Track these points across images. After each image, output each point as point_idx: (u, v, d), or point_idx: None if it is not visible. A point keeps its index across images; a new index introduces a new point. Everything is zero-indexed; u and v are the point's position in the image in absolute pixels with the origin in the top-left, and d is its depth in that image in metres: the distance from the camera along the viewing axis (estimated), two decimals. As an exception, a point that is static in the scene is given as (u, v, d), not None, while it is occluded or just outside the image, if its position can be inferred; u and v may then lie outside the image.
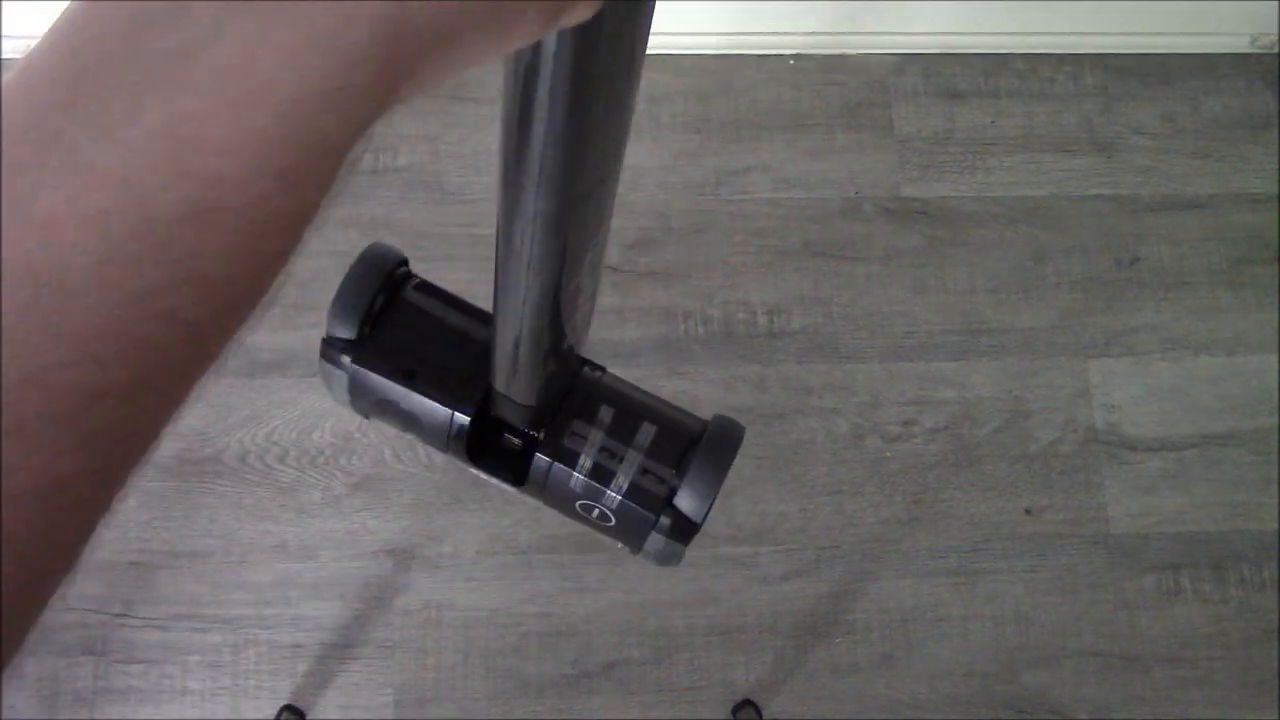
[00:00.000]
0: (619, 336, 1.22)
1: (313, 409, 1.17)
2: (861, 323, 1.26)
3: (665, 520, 0.70)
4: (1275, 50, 1.39)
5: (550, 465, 0.69)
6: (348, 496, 1.15)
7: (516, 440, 0.73)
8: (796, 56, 1.35)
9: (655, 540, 0.71)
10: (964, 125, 1.34)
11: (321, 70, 0.17)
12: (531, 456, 0.71)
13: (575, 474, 0.68)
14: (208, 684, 1.10)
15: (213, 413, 1.17)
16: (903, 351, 1.25)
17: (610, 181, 0.46)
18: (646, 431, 0.69)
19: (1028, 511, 1.21)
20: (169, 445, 1.16)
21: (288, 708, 1.08)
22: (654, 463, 0.69)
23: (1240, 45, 1.38)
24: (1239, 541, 1.22)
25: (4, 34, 1.22)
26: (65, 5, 0.17)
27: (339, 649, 1.11)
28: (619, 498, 0.69)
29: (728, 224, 1.27)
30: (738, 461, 1.16)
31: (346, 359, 0.68)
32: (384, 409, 0.71)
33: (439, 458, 1.17)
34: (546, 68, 0.33)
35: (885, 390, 1.23)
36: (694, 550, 1.16)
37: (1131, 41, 1.37)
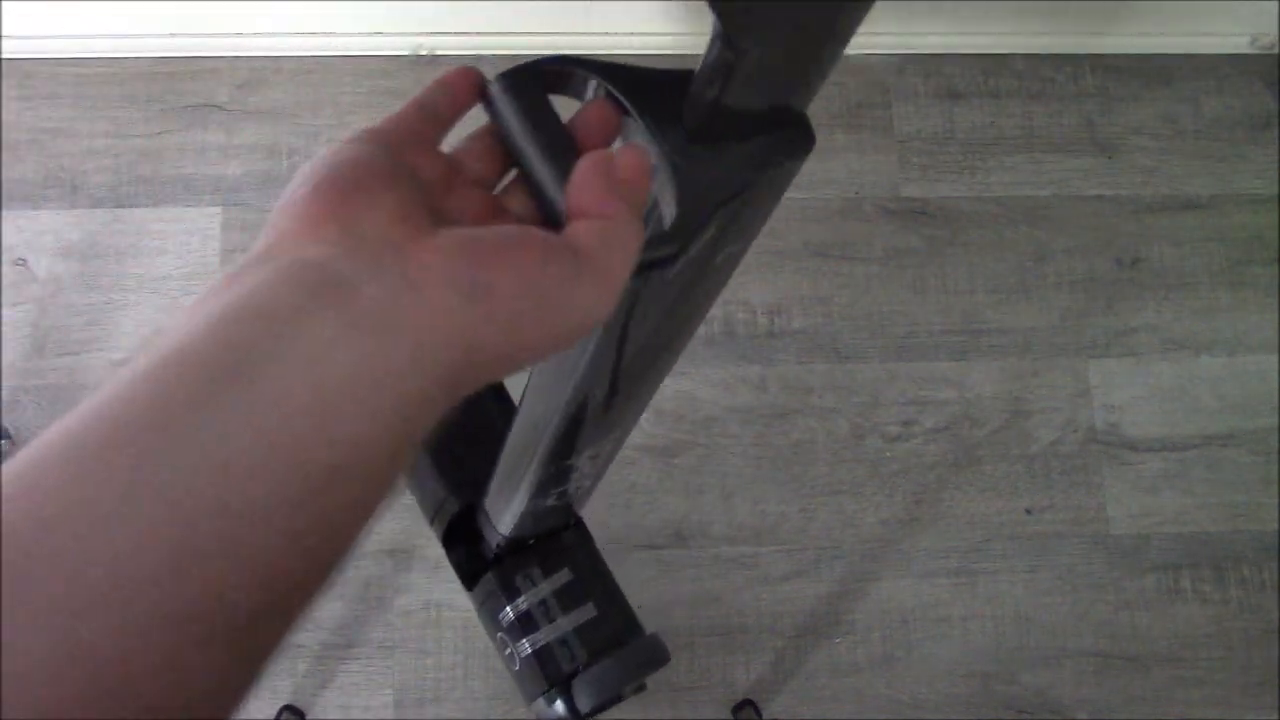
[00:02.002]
0: (619, 336, 1.22)
1: (313, 409, 1.17)
2: (861, 323, 1.26)
3: (556, 696, 0.72)
4: (1275, 50, 1.39)
5: (495, 589, 0.73)
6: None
7: (486, 551, 0.75)
8: (797, 56, 1.35)
9: (541, 706, 0.74)
10: (964, 125, 1.34)
11: (419, 385, 0.23)
12: (481, 570, 0.75)
13: (508, 609, 0.72)
14: (208, 684, 1.10)
15: (213, 413, 1.17)
16: (903, 351, 1.25)
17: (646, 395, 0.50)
18: (586, 611, 0.73)
19: (1028, 511, 1.21)
20: (169, 445, 1.16)
21: (288, 708, 1.08)
22: (575, 641, 0.72)
23: (1240, 45, 1.38)
24: (1239, 542, 1.22)
25: (4, 34, 1.22)
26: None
27: (339, 649, 1.11)
28: (530, 651, 0.72)
29: (728, 224, 1.27)
30: (737, 462, 1.18)
31: None
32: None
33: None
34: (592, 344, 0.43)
35: (885, 390, 1.23)
36: (694, 550, 1.17)
37: (1132, 41, 1.37)
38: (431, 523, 0.75)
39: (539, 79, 0.34)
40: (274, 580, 0.19)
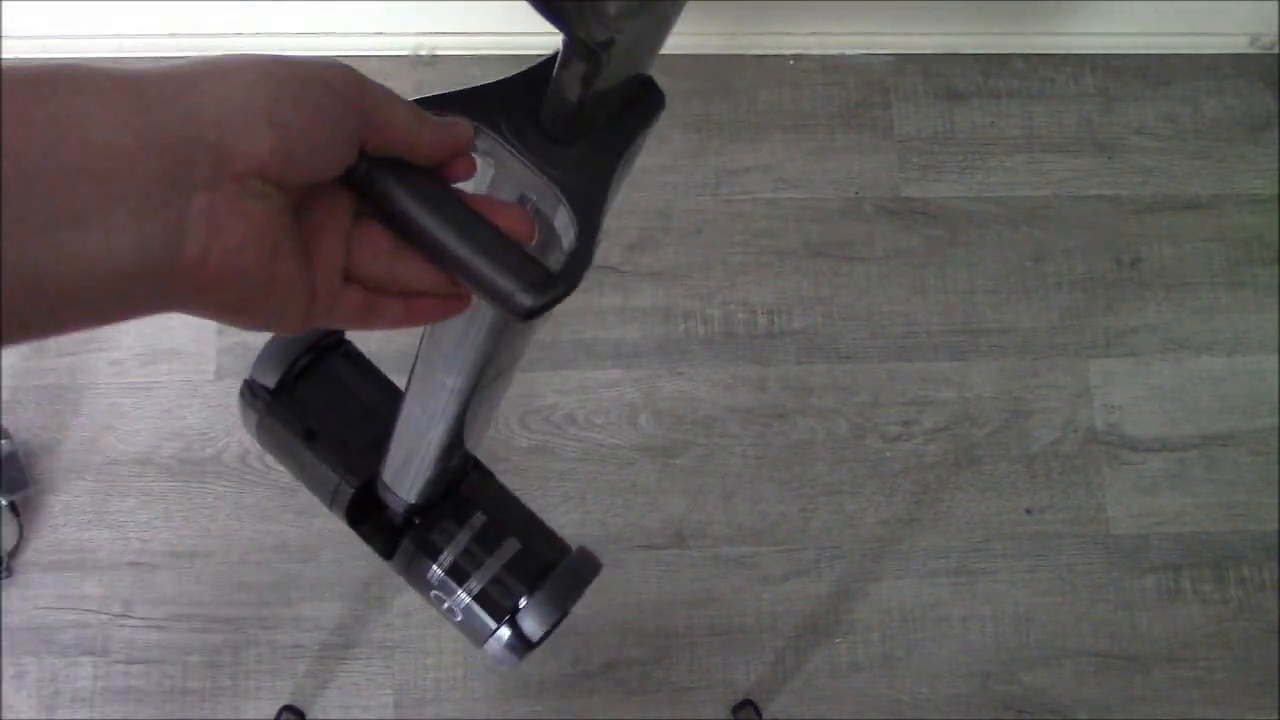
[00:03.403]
0: (619, 336, 1.22)
1: (313, 409, 1.17)
2: (861, 323, 1.26)
3: (505, 631, 0.73)
4: (1275, 50, 1.39)
5: (414, 552, 0.73)
6: (348, 496, 1.15)
7: (394, 517, 0.75)
8: (796, 56, 1.35)
9: (494, 646, 0.74)
10: (964, 125, 1.34)
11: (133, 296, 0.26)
12: (396, 537, 0.74)
13: (434, 567, 0.72)
14: (208, 684, 1.10)
15: (213, 413, 1.17)
16: (903, 351, 1.25)
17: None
18: (510, 546, 0.73)
19: (1028, 511, 1.21)
20: (169, 445, 1.16)
21: (288, 708, 1.08)
22: (508, 577, 0.72)
23: (1240, 45, 1.38)
24: (1239, 542, 1.22)
25: (4, 34, 1.22)
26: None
27: (339, 649, 1.11)
28: (468, 599, 0.72)
29: (728, 224, 1.27)
30: (737, 462, 1.18)
31: (260, 404, 0.71)
32: (282, 458, 0.75)
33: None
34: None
35: (885, 390, 1.23)
36: (694, 550, 1.17)
37: (1131, 41, 1.37)
38: (331, 506, 0.75)
39: None
40: None
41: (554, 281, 0.32)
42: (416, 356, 0.53)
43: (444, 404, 0.54)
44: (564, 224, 0.35)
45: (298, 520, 1.14)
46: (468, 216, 0.31)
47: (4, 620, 1.10)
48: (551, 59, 0.32)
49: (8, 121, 0.22)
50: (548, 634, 0.71)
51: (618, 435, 1.19)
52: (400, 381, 0.62)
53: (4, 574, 1.11)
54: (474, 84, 0.34)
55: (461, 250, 0.31)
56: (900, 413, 1.23)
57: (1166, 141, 1.35)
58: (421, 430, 0.60)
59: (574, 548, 0.75)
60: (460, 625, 0.75)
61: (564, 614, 0.72)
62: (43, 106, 0.23)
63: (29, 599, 1.11)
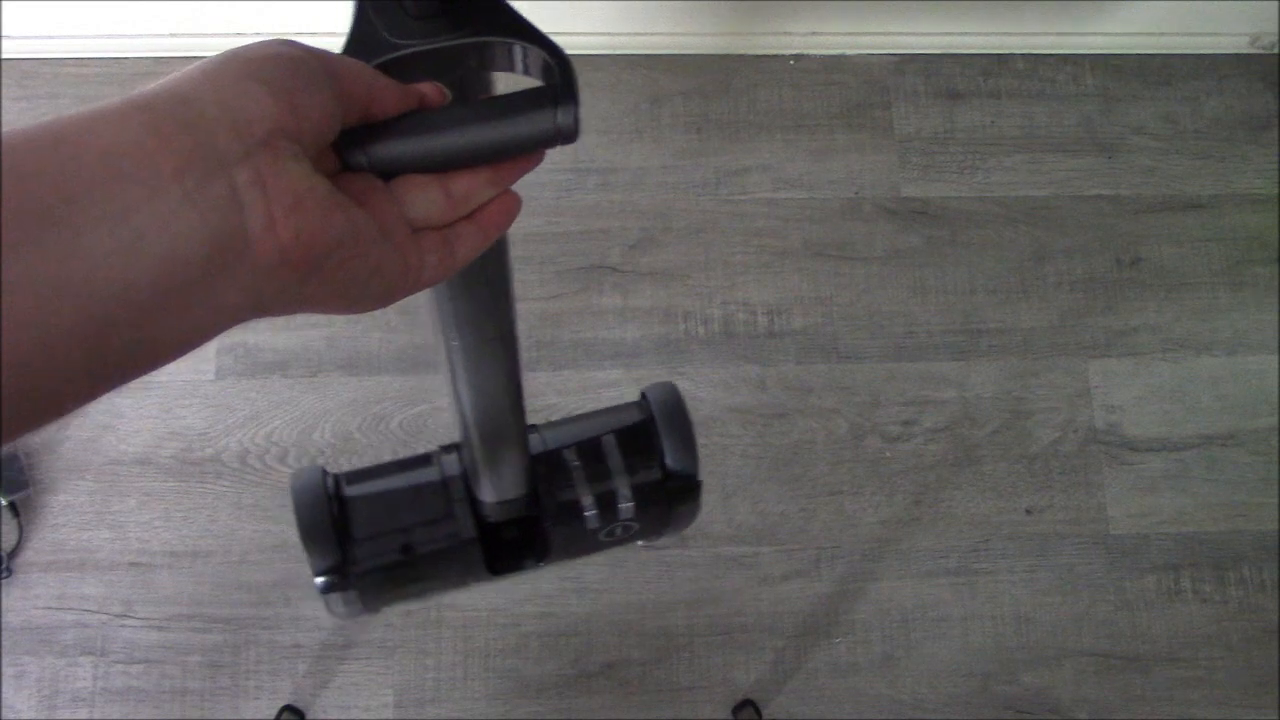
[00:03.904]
0: (619, 336, 1.22)
1: (312, 409, 1.17)
2: (861, 323, 1.26)
3: (673, 492, 0.75)
4: (1275, 50, 1.39)
5: (563, 524, 0.73)
6: (348, 496, 1.15)
7: (513, 532, 0.75)
8: (796, 56, 1.35)
9: (676, 514, 0.77)
10: (964, 125, 1.34)
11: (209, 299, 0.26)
12: (541, 532, 0.74)
13: (586, 514, 0.72)
14: (208, 684, 1.10)
15: (213, 413, 1.17)
16: (903, 351, 1.25)
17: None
18: (609, 443, 0.74)
19: (1028, 511, 1.21)
20: (169, 445, 1.16)
21: (288, 708, 1.08)
22: (635, 460, 0.74)
23: (1240, 45, 1.38)
24: (1239, 542, 1.22)
25: (4, 34, 1.22)
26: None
27: (339, 649, 1.11)
28: (630, 505, 0.73)
29: (728, 224, 1.27)
30: (737, 462, 1.18)
31: (345, 578, 0.70)
32: (400, 592, 0.75)
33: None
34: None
35: (885, 390, 1.23)
36: (694, 550, 1.17)
37: (1131, 41, 1.37)
38: (469, 582, 0.77)
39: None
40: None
41: (564, 89, 0.33)
42: (448, 369, 0.55)
43: (496, 370, 0.55)
44: (511, 62, 0.36)
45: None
46: (465, 110, 0.32)
47: (4, 620, 1.10)
48: None
49: (15, 157, 0.22)
50: (695, 455, 0.74)
51: (618, 435, 1.19)
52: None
53: (4, 574, 1.11)
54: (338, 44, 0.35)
55: (486, 134, 0.32)
56: (900, 413, 1.23)
57: (1166, 141, 1.35)
58: (495, 424, 0.60)
59: (640, 393, 0.77)
60: (640, 533, 0.75)
61: (692, 433, 0.75)
62: (42, 135, 0.23)
63: (29, 599, 1.11)
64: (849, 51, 1.35)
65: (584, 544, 0.75)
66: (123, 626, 1.10)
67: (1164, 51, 1.38)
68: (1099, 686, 1.17)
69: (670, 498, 0.74)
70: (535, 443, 0.73)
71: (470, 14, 0.34)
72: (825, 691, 1.14)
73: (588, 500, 0.71)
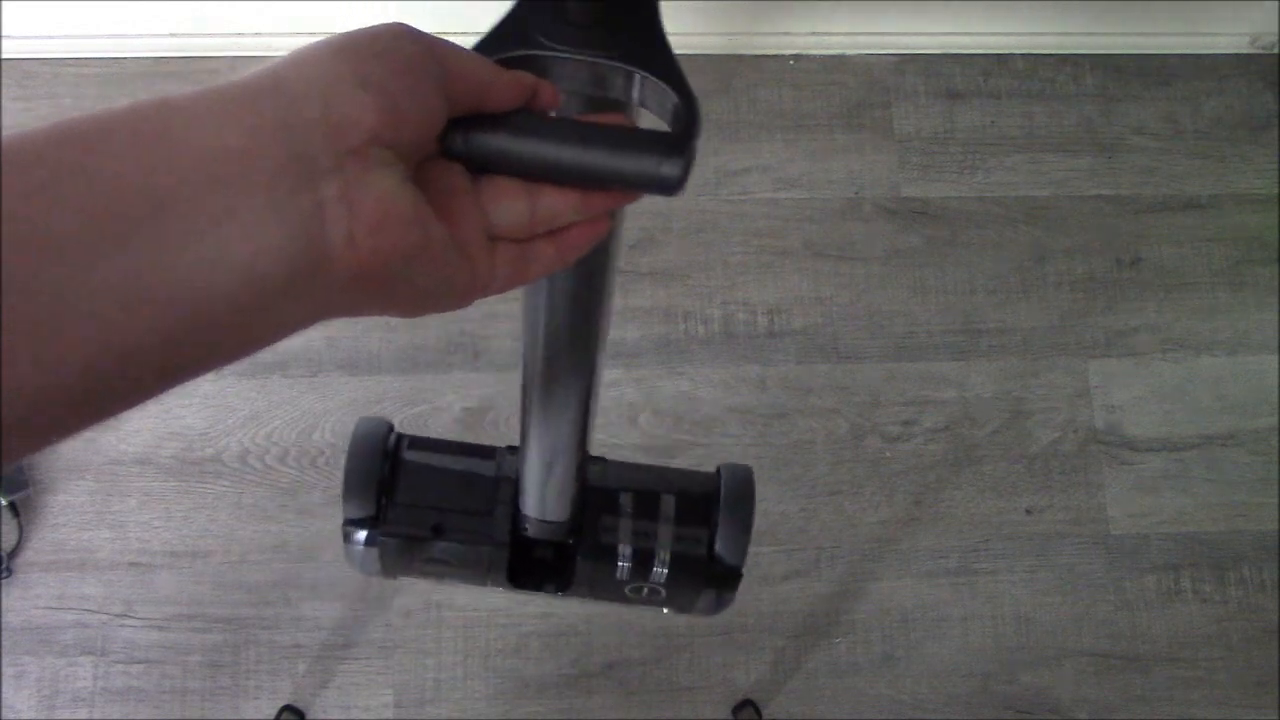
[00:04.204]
0: (619, 336, 1.22)
1: (312, 409, 1.17)
2: (861, 323, 1.26)
3: (712, 577, 0.72)
4: (1275, 50, 1.39)
5: (594, 564, 0.71)
6: (348, 496, 1.15)
7: (546, 552, 0.74)
8: (796, 56, 1.35)
9: (707, 597, 0.74)
10: (964, 125, 1.34)
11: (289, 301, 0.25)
12: (571, 562, 0.72)
13: (620, 564, 0.70)
14: (208, 684, 1.10)
15: (213, 413, 1.17)
16: (903, 351, 1.25)
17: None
18: (668, 503, 0.72)
19: (1028, 511, 1.21)
20: (169, 445, 1.16)
21: (288, 708, 1.08)
22: (686, 529, 0.71)
23: (1240, 45, 1.38)
24: (1239, 542, 1.22)
25: (4, 34, 1.22)
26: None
27: (339, 649, 1.11)
28: (665, 572, 0.71)
29: (728, 224, 1.27)
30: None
31: (373, 534, 0.70)
32: (418, 568, 0.74)
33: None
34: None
35: (885, 390, 1.23)
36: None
37: (1131, 41, 1.37)
38: (487, 582, 0.74)
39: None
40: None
41: (682, 140, 0.32)
42: (523, 377, 0.54)
43: (569, 391, 0.54)
44: (644, 95, 0.35)
45: (298, 520, 1.14)
46: (576, 127, 0.31)
47: (4, 620, 1.10)
48: None
49: (114, 150, 0.22)
50: (747, 542, 0.72)
51: (618, 435, 1.19)
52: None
53: (4, 574, 1.11)
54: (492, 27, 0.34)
55: (588, 157, 0.31)
56: (900, 413, 1.23)
57: (1166, 141, 1.35)
58: (554, 440, 0.59)
59: (716, 468, 0.75)
60: (666, 601, 0.73)
61: (750, 527, 0.72)
62: (147, 125, 0.23)
63: (29, 599, 1.11)
64: (849, 51, 1.35)
65: (608, 590, 0.74)
66: (123, 626, 1.10)
67: (1164, 51, 1.38)
68: (1099, 686, 1.17)
69: (707, 580, 0.72)
70: (595, 474, 0.72)
71: (625, 36, 0.34)
72: (825, 691, 1.14)
73: (626, 550, 0.70)
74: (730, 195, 1.28)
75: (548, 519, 0.68)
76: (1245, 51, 1.39)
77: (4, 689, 1.08)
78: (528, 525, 0.69)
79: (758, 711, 1.12)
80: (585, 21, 0.33)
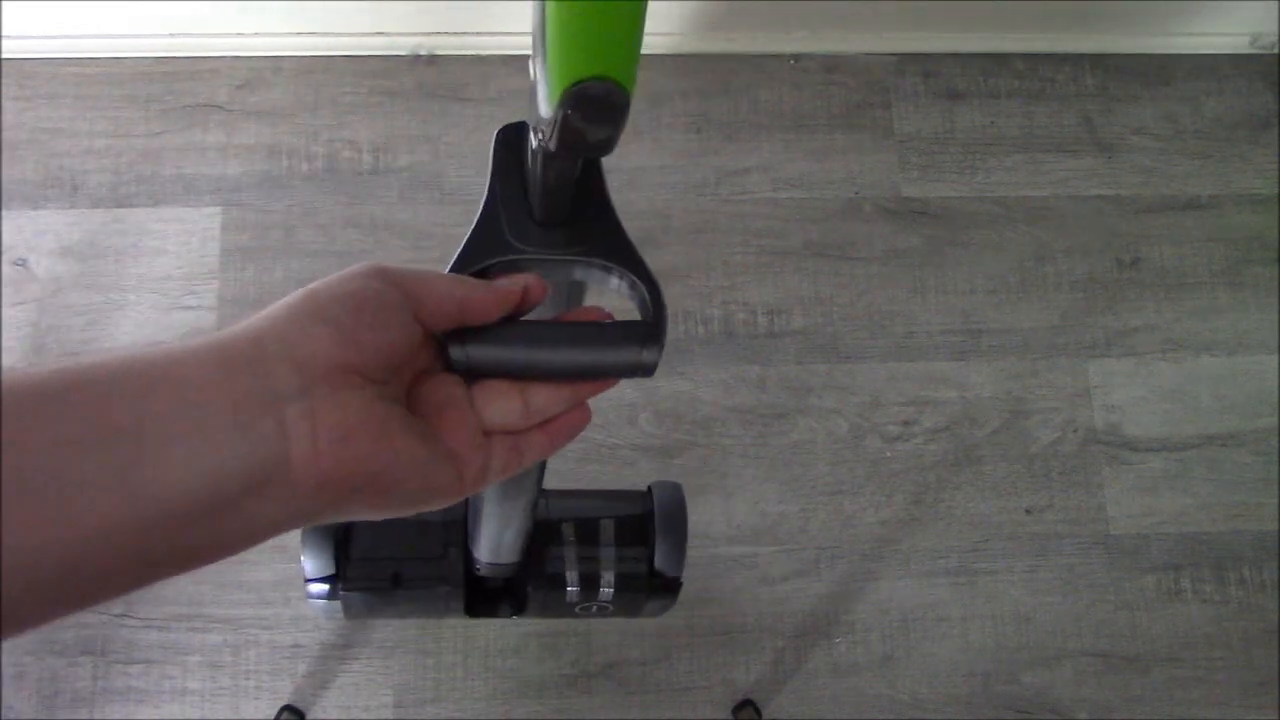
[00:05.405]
0: (619, 336, 1.22)
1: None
2: (861, 323, 1.26)
3: (654, 588, 0.79)
4: (1275, 50, 1.39)
5: (545, 593, 0.78)
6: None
7: (497, 583, 0.81)
8: (796, 56, 1.35)
9: (650, 606, 0.80)
10: (964, 125, 1.34)
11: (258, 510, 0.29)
12: (523, 589, 0.79)
13: (568, 589, 0.77)
14: (208, 684, 1.10)
15: (213, 413, 1.17)
16: (903, 351, 1.25)
17: None
18: (606, 528, 0.78)
19: (1028, 511, 1.21)
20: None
21: (288, 708, 1.08)
22: (626, 550, 0.78)
23: (1240, 45, 1.38)
24: (1239, 542, 1.22)
25: (4, 34, 1.22)
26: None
27: (339, 649, 1.11)
28: (610, 591, 0.77)
29: (728, 224, 1.27)
30: (738, 462, 1.19)
31: (334, 589, 0.75)
32: (380, 613, 0.81)
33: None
34: None
35: (885, 390, 1.23)
36: (694, 550, 1.16)
37: (1131, 42, 1.37)
38: (445, 615, 0.81)
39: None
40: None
41: (654, 329, 0.36)
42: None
43: (528, 476, 0.59)
44: (610, 284, 0.39)
45: (298, 520, 1.14)
46: (565, 330, 0.35)
47: (4, 620, 1.10)
48: (505, 174, 0.37)
49: (107, 381, 0.26)
50: (682, 560, 0.78)
51: (618, 435, 1.19)
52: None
53: (4, 574, 1.10)
54: (463, 240, 0.37)
55: (576, 356, 0.35)
56: (900, 413, 1.23)
57: (1166, 141, 1.35)
58: (513, 512, 0.64)
59: (647, 487, 0.81)
60: (614, 613, 0.80)
61: (685, 540, 0.78)
62: (138, 363, 0.27)
63: (29, 599, 1.11)
64: (849, 51, 1.35)
65: (559, 611, 0.80)
66: (123, 626, 1.10)
67: (1164, 51, 1.38)
68: (1099, 686, 1.17)
69: (650, 592, 0.78)
70: (539, 508, 0.76)
71: (589, 233, 0.37)
72: (825, 691, 1.14)
73: (573, 576, 0.76)
74: (730, 195, 1.28)
75: (501, 562, 0.73)
76: (1245, 51, 1.39)
77: (4, 689, 1.08)
78: (480, 567, 0.74)
79: (758, 711, 1.12)
80: (551, 222, 0.37)
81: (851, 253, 1.28)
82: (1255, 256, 1.32)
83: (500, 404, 0.34)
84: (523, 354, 0.34)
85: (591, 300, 0.42)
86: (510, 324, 0.34)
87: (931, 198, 1.31)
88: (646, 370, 0.35)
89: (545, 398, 0.35)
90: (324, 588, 0.74)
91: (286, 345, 0.29)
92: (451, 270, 0.36)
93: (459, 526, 0.75)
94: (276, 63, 1.28)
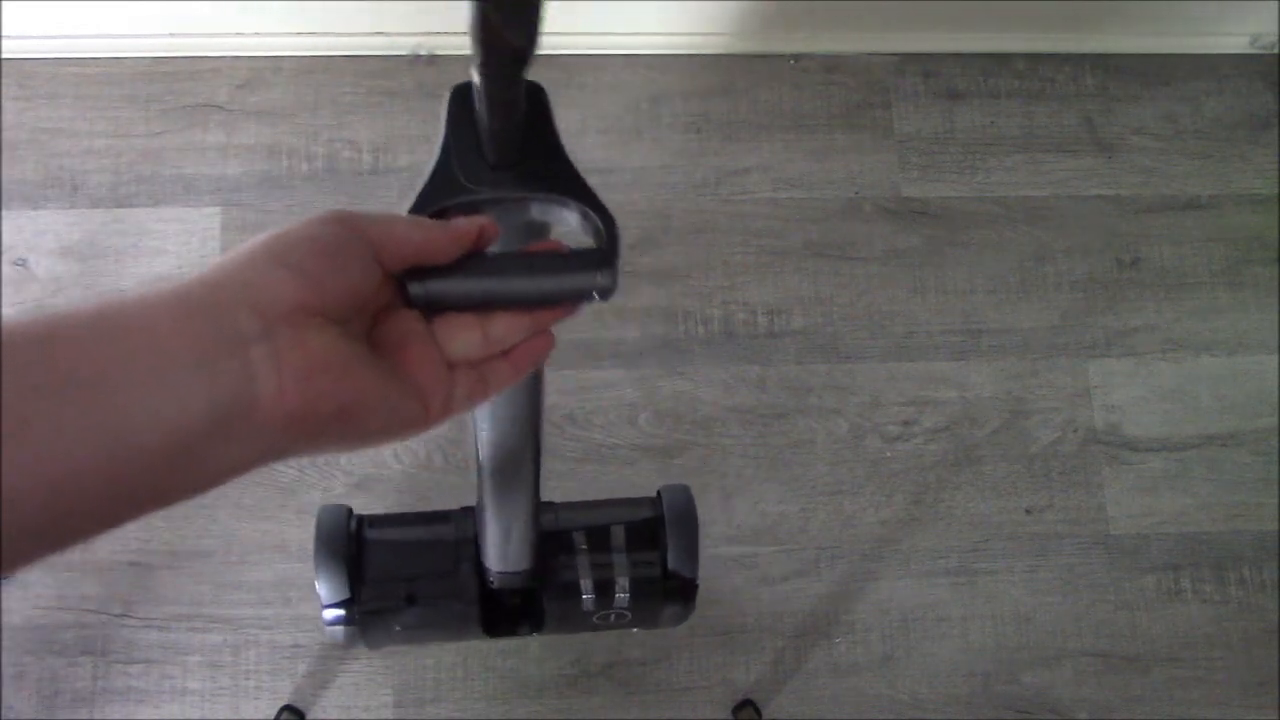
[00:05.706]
0: (619, 336, 1.22)
1: (313, 409, 1.17)
2: (861, 323, 1.26)
3: (670, 592, 0.79)
4: (1275, 50, 1.39)
5: (561, 603, 0.78)
6: (348, 496, 1.15)
7: (514, 599, 0.81)
8: (796, 56, 1.35)
9: (669, 611, 0.81)
10: (964, 125, 1.34)
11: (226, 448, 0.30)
12: (539, 604, 0.79)
13: (584, 598, 0.77)
14: (208, 684, 1.10)
15: (213, 413, 1.17)
16: (903, 351, 1.25)
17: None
18: (618, 534, 0.79)
19: (1028, 511, 1.21)
20: (169, 445, 1.16)
21: (288, 708, 1.08)
22: (638, 554, 0.79)
23: (1240, 45, 1.38)
24: (1239, 542, 1.22)
25: (4, 34, 1.22)
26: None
27: (339, 649, 1.11)
28: (626, 597, 0.78)
29: (728, 224, 1.27)
30: (738, 462, 1.19)
31: (351, 614, 0.76)
32: (397, 636, 0.80)
33: (438, 458, 1.17)
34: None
35: (885, 390, 1.23)
36: (694, 550, 1.13)
37: (1131, 42, 1.37)
38: (463, 637, 0.82)
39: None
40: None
41: (608, 254, 0.37)
42: (478, 457, 0.59)
43: (523, 466, 0.60)
44: (565, 218, 0.40)
45: (298, 520, 1.14)
46: (520, 260, 0.36)
47: (4, 620, 1.10)
48: (458, 125, 0.39)
49: (76, 332, 0.27)
50: (696, 560, 0.79)
51: (618, 435, 1.19)
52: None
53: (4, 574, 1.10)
54: (421, 179, 0.38)
55: (533, 285, 0.36)
56: (900, 413, 1.23)
57: (1166, 141, 1.35)
58: (512, 505, 0.65)
59: (656, 491, 0.81)
60: (631, 622, 0.80)
61: (697, 540, 0.79)
62: (104, 318, 0.28)
63: (29, 599, 1.11)
64: (849, 51, 1.35)
65: (577, 623, 0.80)
66: (123, 626, 1.10)
67: (1164, 51, 1.38)
68: (1099, 686, 1.17)
69: (666, 596, 0.78)
70: (548, 520, 0.77)
71: (541, 172, 0.39)
72: (825, 691, 1.14)
73: (587, 584, 0.76)
74: (730, 195, 1.28)
75: (511, 569, 0.73)
76: (1245, 51, 1.39)
77: (4, 689, 1.08)
78: (493, 578, 0.74)
79: (758, 711, 1.12)
80: (503, 164, 0.38)
81: (851, 253, 1.28)
82: (1255, 256, 1.32)
83: (462, 336, 0.35)
84: (479, 285, 0.35)
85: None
86: (469, 259, 0.35)
87: (931, 198, 1.31)
88: (603, 293, 0.36)
89: (505, 327, 0.36)
90: (340, 613, 0.75)
91: (249, 290, 0.29)
92: (410, 212, 0.38)
93: (470, 543, 0.76)
94: (276, 63, 1.28)
